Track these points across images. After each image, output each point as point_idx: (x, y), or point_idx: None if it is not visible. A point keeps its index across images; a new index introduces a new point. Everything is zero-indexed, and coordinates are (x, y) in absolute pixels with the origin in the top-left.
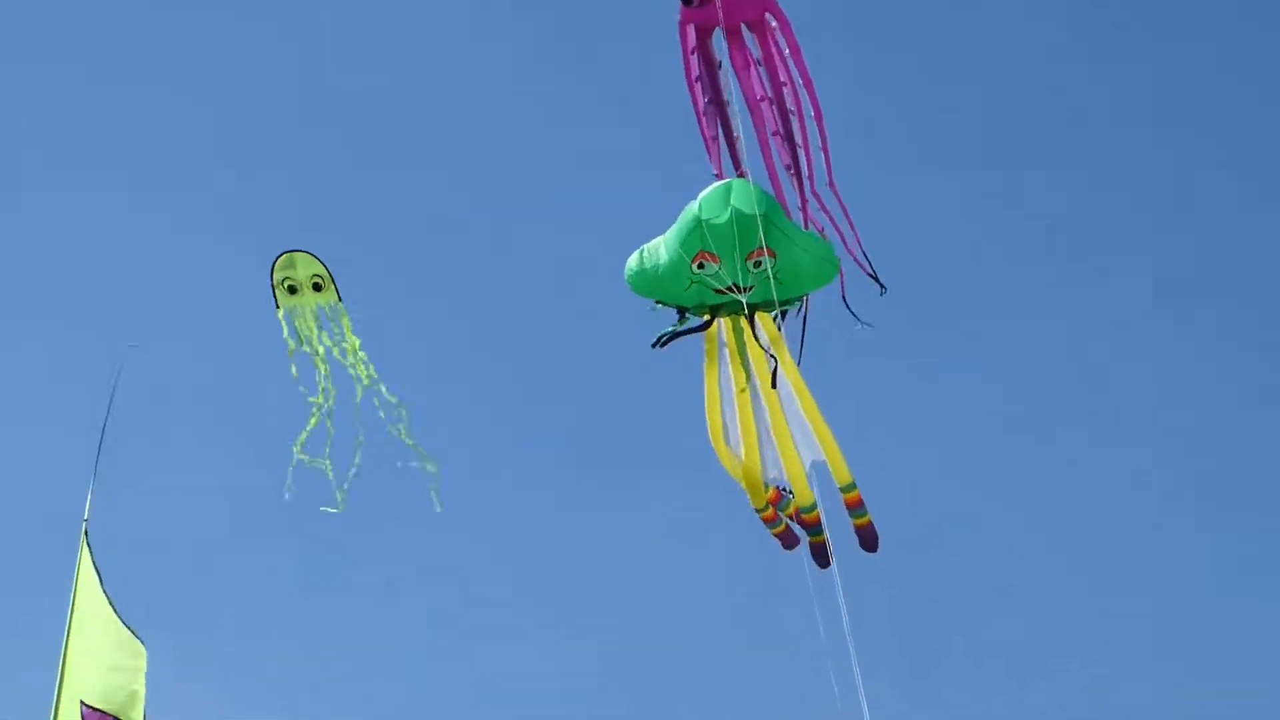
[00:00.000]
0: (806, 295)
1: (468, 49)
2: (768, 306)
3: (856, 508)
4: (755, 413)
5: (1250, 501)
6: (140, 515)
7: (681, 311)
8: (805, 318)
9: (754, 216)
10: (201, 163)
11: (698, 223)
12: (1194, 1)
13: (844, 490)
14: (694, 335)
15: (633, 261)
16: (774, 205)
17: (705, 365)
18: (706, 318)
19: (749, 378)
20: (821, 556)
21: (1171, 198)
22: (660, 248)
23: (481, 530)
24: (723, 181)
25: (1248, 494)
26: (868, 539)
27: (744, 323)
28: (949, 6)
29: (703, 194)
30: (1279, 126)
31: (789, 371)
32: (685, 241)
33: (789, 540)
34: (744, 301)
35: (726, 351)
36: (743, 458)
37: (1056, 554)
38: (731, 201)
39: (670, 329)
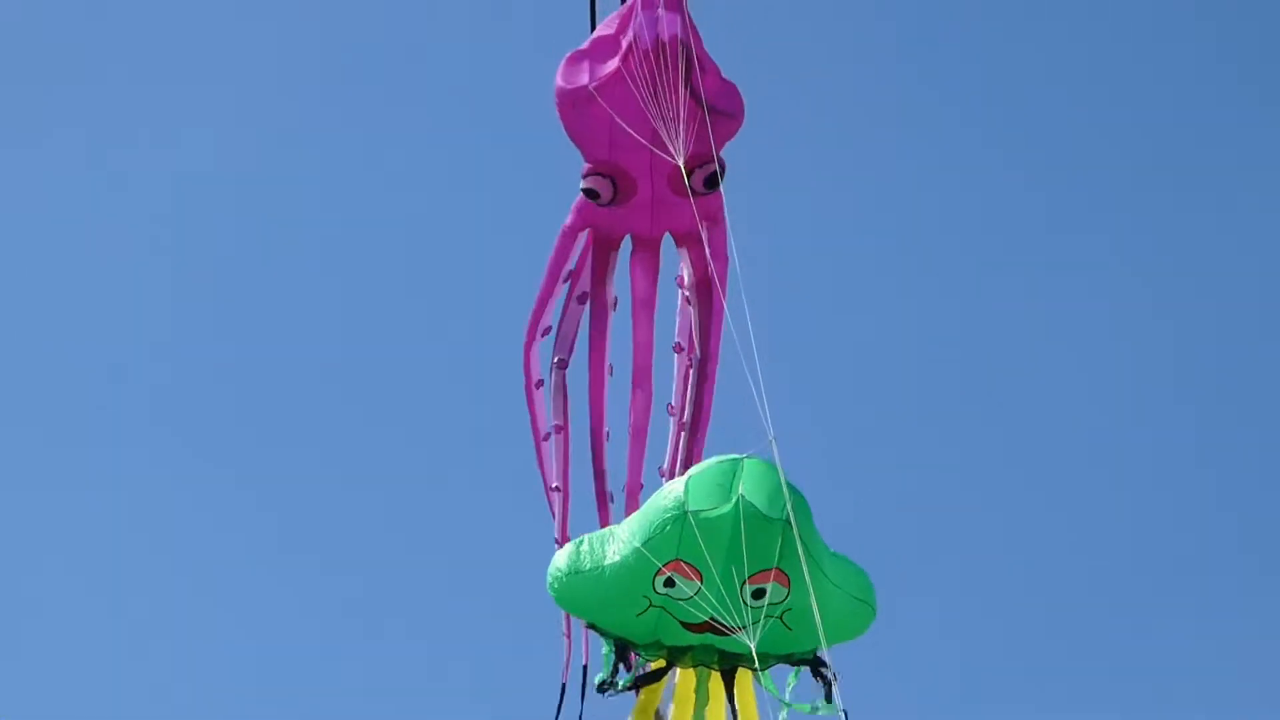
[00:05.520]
0: (819, 654)
1: None
2: (758, 662)
3: None
4: None
5: None
6: None
7: (623, 648)
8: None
9: (774, 521)
10: None
11: (681, 514)
12: None
13: None
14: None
15: (562, 559)
16: (803, 504)
17: None
18: (660, 664)
19: None
20: None
21: None
22: (610, 542)
23: None
24: (726, 458)
25: None
26: None
27: (716, 681)
28: None
29: (695, 469)
30: None
31: None
32: (655, 539)
33: None
34: (753, 650)
35: (670, 715)
36: None
37: None
38: (739, 490)
39: (614, 677)
